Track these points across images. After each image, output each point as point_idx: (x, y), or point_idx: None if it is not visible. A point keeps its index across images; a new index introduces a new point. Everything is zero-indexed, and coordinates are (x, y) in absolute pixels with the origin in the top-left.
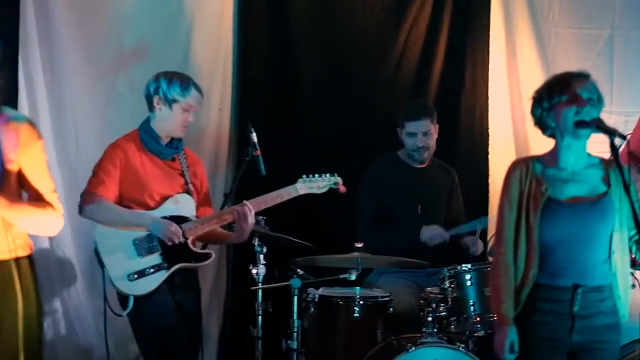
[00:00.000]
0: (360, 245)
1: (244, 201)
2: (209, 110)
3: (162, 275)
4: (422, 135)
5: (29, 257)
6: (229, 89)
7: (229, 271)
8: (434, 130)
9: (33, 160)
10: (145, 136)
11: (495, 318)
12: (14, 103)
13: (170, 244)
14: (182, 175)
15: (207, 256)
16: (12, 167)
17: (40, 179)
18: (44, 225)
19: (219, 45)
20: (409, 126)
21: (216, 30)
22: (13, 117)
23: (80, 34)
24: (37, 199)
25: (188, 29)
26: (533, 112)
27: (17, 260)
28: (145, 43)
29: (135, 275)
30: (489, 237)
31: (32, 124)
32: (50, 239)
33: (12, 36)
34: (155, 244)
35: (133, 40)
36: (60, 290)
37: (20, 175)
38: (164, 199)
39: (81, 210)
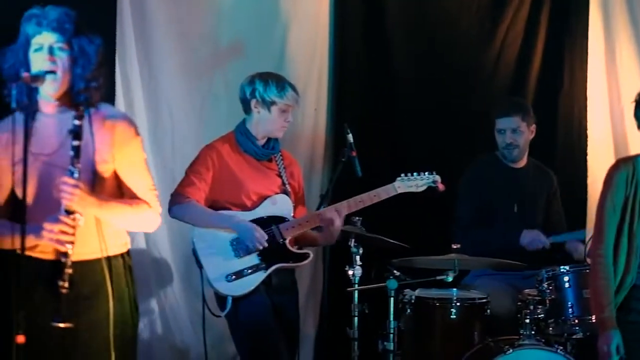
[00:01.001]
0: (457, 246)
1: (332, 205)
2: (305, 110)
3: (260, 276)
4: (511, 133)
5: (124, 256)
6: (324, 90)
7: (326, 272)
8: (524, 128)
9: (129, 158)
10: (241, 137)
11: (597, 321)
12: (111, 103)
13: (254, 249)
14: (280, 176)
15: (305, 256)
16: (106, 167)
17: (136, 176)
18: (139, 222)
19: (315, 45)
20: (498, 123)
21: (312, 30)
22: (109, 115)
23: (177, 33)
24: (132, 197)
25: (284, 29)
26: (636, 115)
27: (109, 259)
28: (242, 42)
29: (233, 276)
30: (587, 238)
31: (129, 121)
32: (147, 239)
33: (109, 36)
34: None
35: (229, 39)
36: (156, 291)
37: (117, 174)
38: (262, 199)
39: (170, 210)
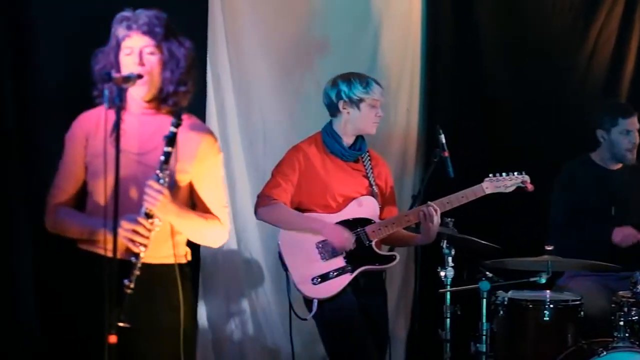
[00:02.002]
0: (550, 248)
1: (429, 202)
2: (397, 110)
3: (346, 278)
4: (637, 132)
5: (189, 264)
6: (417, 89)
7: (417, 274)
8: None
9: (207, 173)
10: (328, 138)
11: None
12: (202, 105)
13: (342, 251)
14: (366, 177)
15: (391, 258)
16: (184, 177)
17: (212, 192)
18: (209, 236)
19: (407, 45)
20: (626, 123)
21: (404, 29)
22: (196, 128)
23: (267, 33)
24: (204, 210)
25: (376, 29)
26: None
27: (180, 266)
28: (333, 43)
29: (319, 279)
30: None
31: (214, 136)
32: (238, 240)
33: (200, 38)
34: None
35: (320, 39)
36: (247, 292)
37: (192, 186)
38: (347, 200)
39: (256, 211)
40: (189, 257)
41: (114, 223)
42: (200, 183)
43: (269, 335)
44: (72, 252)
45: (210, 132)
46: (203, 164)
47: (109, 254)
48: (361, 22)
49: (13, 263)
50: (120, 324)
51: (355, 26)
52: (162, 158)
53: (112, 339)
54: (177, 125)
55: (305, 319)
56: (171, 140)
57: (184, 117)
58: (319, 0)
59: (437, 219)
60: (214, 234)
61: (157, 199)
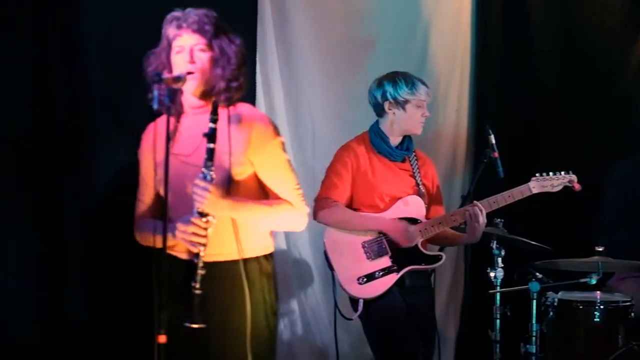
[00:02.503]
0: (601, 249)
1: (475, 202)
2: (446, 111)
3: (392, 278)
4: None
5: (259, 260)
6: (466, 89)
7: (467, 275)
8: None
9: (268, 159)
10: (375, 138)
11: None
12: (252, 103)
13: (404, 245)
14: (413, 176)
15: (437, 258)
16: (241, 169)
17: (278, 177)
18: (281, 222)
19: (456, 45)
20: None
21: (454, 30)
22: (247, 116)
23: (316, 32)
24: (276, 198)
25: (425, 28)
26: None
27: (245, 261)
28: (382, 43)
29: (365, 279)
30: None
31: (267, 121)
32: (287, 240)
33: (250, 36)
34: (384, 247)
35: (369, 38)
36: (297, 292)
37: (257, 176)
38: (394, 200)
39: (315, 215)
40: (268, 250)
41: (163, 225)
42: (262, 170)
43: (318, 335)
44: (124, 252)
45: (262, 118)
46: (260, 151)
47: (180, 255)
48: (410, 22)
49: (63, 262)
50: (194, 326)
51: (404, 26)
52: (206, 155)
53: (162, 339)
54: (215, 120)
55: (351, 319)
56: (211, 136)
57: (233, 107)
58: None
59: (482, 219)
60: (286, 219)
61: (204, 197)
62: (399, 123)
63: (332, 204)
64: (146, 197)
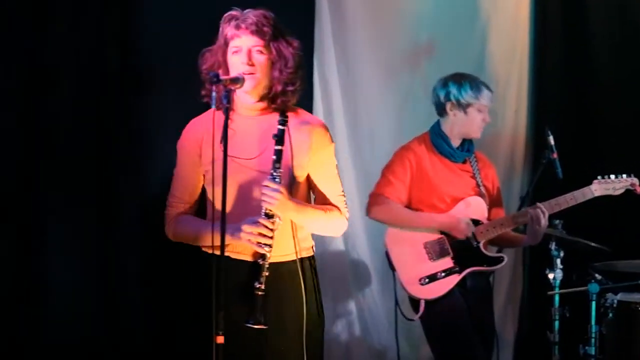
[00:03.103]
0: None
1: (537, 203)
2: (505, 112)
3: (454, 279)
4: None
5: (310, 260)
6: (524, 90)
7: (525, 276)
8: None
9: (323, 164)
10: (436, 139)
11: None
12: (309, 107)
13: (461, 237)
14: (474, 177)
15: (499, 260)
16: (302, 172)
17: (328, 182)
18: (329, 227)
19: (515, 45)
20: None
21: (512, 29)
22: (307, 121)
23: (374, 33)
24: (323, 201)
25: (484, 30)
26: None
27: (302, 260)
28: (440, 43)
29: (427, 279)
30: None
31: (325, 127)
32: (345, 241)
33: (307, 38)
34: (447, 247)
35: (427, 39)
36: (354, 292)
37: (309, 179)
38: (455, 201)
39: (368, 211)
40: (312, 251)
41: (221, 226)
42: (317, 175)
43: (376, 336)
44: (182, 251)
45: (321, 124)
46: (318, 155)
47: (233, 256)
48: (468, 22)
49: (122, 263)
50: (256, 326)
51: (462, 26)
52: (274, 157)
53: (220, 339)
54: (284, 123)
55: (412, 320)
56: (281, 138)
57: (294, 112)
58: (425, 0)
59: (544, 221)
60: (334, 224)
61: (275, 198)
62: (459, 126)
63: (384, 200)
64: (186, 195)
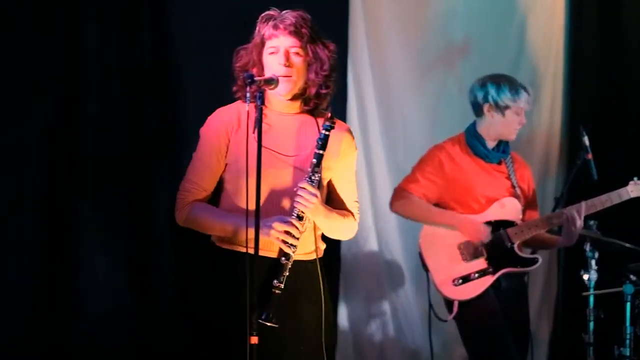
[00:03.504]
0: None
1: (572, 205)
2: (540, 112)
3: (488, 280)
4: None
5: (321, 259)
6: (559, 89)
7: (560, 277)
8: None
9: (346, 169)
10: (472, 140)
11: None
12: (343, 106)
13: (475, 241)
14: (509, 178)
15: (534, 261)
16: (327, 174)
17: (348, 188)
18: (344, 232)
19: (550, 44)
20: None
21: (548, 29)
22: (337, 125)
23: (408, 33)
24: (339, 205)
25: (520, 29)
26: None
27: (319, 260)
28: (475, 42)
29: (460, 280)
30: None
31: (352, 134)
32: (379, 241)
33: (341, 39)
34: (480, 248)
35: (462, 39)
36: (388, 293)
37: (330, 182)
38: (490, 202)
39: (390, 204)
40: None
41: (255, 223)
42: (339, 179)
43: (410, 336)
44: (212, 249)
45: (349, 130)
46: (344, 160)
47: (265, 254)
48: (504, 22)
49: (155, 260)
50: (269, 324)
51: (498, 25)
52: (314, 160)
53: (254, 340)
54: (330, 128)
55: (446, 320)
56: (325, 143)
57: (324, 116)
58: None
59: (580, 223)
60: (348, 229)
61: (311, 202)
62: (495, 127)
63: (407, 195)
64: (205, 182)
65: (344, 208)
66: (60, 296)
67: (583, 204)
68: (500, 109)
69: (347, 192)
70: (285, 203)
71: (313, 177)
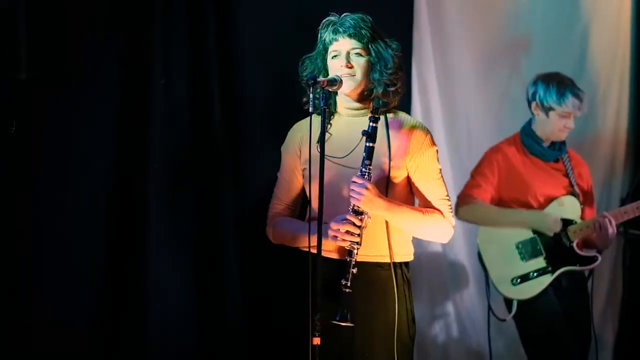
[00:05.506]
0: None
1: (604, 212)
2: (606, 113)
3: (547, 279)
4: None
5: (402, 266)
6: (626, 91)
7: (626, 278)
8: None
9: (422, 167)
10: (527, 139)
11: None
12: (408, 106)
13: (548, 233)
14: (566, 176)
15: (593, 259)
16: (399, 172)
17: (430, 185)
18: (430, 231)
19: (616, 45)
20: None
21: (614, 31)
22: (406, 123)
23: (472, 33)
24: (425, 205)
25: (584, 28)
26: None
27: (394, 265)
28: (540, 42)
29: (519, 280)
30: None
31: (425, 129)
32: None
33: (405, 39)
34: (539, 247)
35: (525, 38)
36: (452, 294)
37: (410, 182)
38: (549, 200)
39: (456, 212)
40: (410, 258)
41: (318, 225)
42: (417, 178)
43: (474, 337)
44: (276, 252)
45: (420, 126)
46: (417, 158)
47: (330, 255)
48: (568, 22)
49: (220, 263)
50: (342, 324)
51: (562, 25)
52: (364, 154)
53: (316, 340)
54: (376, 120)
55: (504, 320)
56: (371, 135)
57: (394, 114)
58: None
59: (612, 230)
60: (435, 229)
61: (361, 194)
62: (542, 127)
63: (472, 200)
64: (285, 195)
65: (430, 207)
66: (132, 299)
67: (617, 211)
68: (545, 109)
69: (430, 190)
70: (349, 204)
71: (364, 170)
